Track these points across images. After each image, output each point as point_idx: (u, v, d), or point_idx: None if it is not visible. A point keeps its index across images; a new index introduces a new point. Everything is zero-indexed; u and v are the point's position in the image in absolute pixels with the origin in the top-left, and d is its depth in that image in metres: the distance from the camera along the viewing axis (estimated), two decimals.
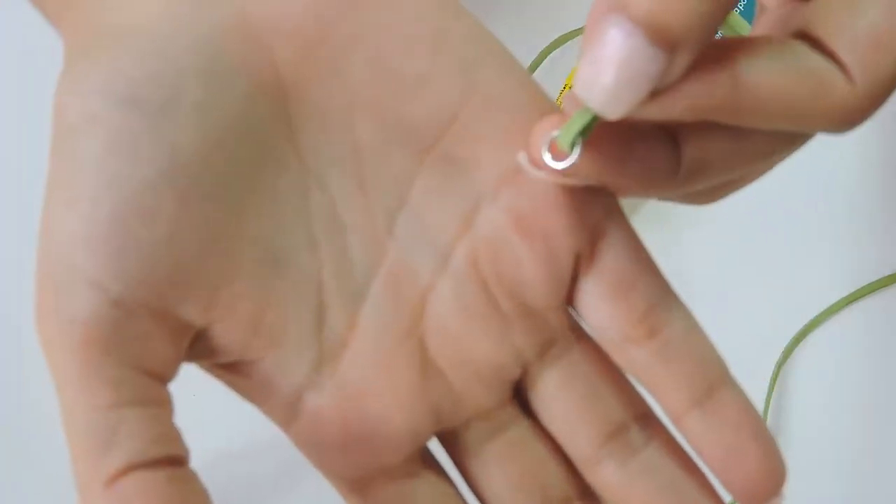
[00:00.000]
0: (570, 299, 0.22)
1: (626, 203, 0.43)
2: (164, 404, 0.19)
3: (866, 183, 0.44)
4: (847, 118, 0.19)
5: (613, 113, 0.18)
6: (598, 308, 0.22)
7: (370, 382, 0.21)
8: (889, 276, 0.43)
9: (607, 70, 0.17)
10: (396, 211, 0.22)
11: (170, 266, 0.19)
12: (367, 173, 0.21)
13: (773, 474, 0.21)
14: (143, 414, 0.19)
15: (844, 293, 0.43)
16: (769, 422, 0.42)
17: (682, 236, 0.42)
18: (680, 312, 0.22)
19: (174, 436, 0.19)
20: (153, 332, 0.19)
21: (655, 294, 0.22)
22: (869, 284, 0.43)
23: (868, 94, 0.18)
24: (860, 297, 0.43)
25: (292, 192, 0.21)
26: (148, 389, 0.19)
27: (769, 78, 0.18)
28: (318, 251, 0.21)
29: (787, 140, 0.20)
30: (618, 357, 0.22)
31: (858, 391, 0.43)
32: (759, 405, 0.43)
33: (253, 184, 0.20)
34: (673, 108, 0.18)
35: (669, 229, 0.42)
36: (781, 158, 0.22)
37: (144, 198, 0.19)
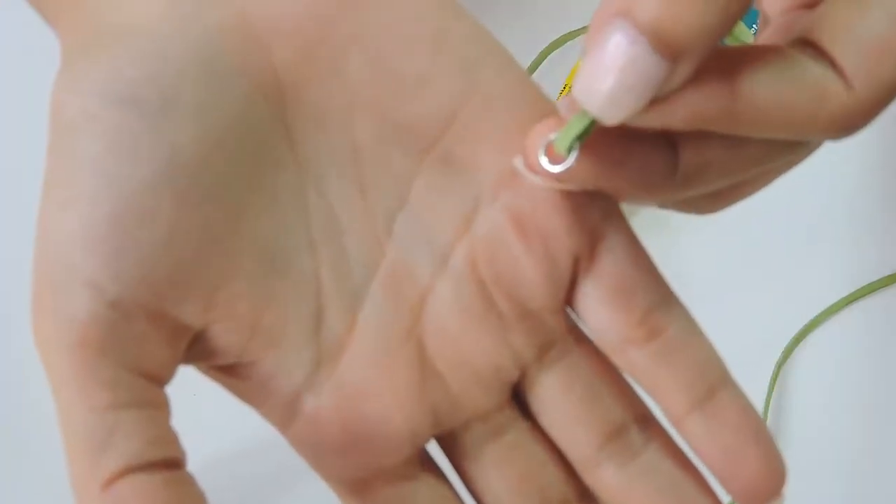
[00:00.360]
0: (569, 301, 0.22)
1: (625, 205, 0.43)
2: (160, 406, 0.19)
3: (866, 183, 0.44)
4: (846, 125, 0.19)
5: (612, 119, 0.18)
6: (597, 311, 0.22)
7: (369, 383, 0.21)
8: (889, 276, 0.43)
9: (608, 75, 0.17)
10: (396, 211, 0.22)
11: (168, 267, 0.19)
12: (366, 173, 0.21)
13: (773, 476, 0.21)
14: (140, 416, 0.19)
15: (844, 293, 0.43)
16: (769, 422, 0.42)
17: (681, 238, 0.42)
18: (680, 314, 0.22)
19: (171, 438, 0.19)
20: (150, 333, 0.19)
21: (655, 296, 0.22)
22: (869, 284, 0.43)
23: (868, 101, 0.18)
24: (860, 297, 0.43)
25: (291, 192, 0.21)
26: (145, 391, 0.19)
27: (767, 89, 0.18)
28: (317, 252, 0.21)
29: (788, 145, 0.20)
30: (617, 359, 0.22)
31: (858, 391, 0.43)
32: (759, 405, 0.43)
33: (252, 184, 0.20)
34: (672, 117, 0.18)
35: (669, 231, 0.42)
36: (787, 168, 0.22)
37: (143, 198, 0.19)
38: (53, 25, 0.21)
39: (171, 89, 0.19)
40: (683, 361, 0.21)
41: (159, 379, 0.20)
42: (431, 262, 0.22)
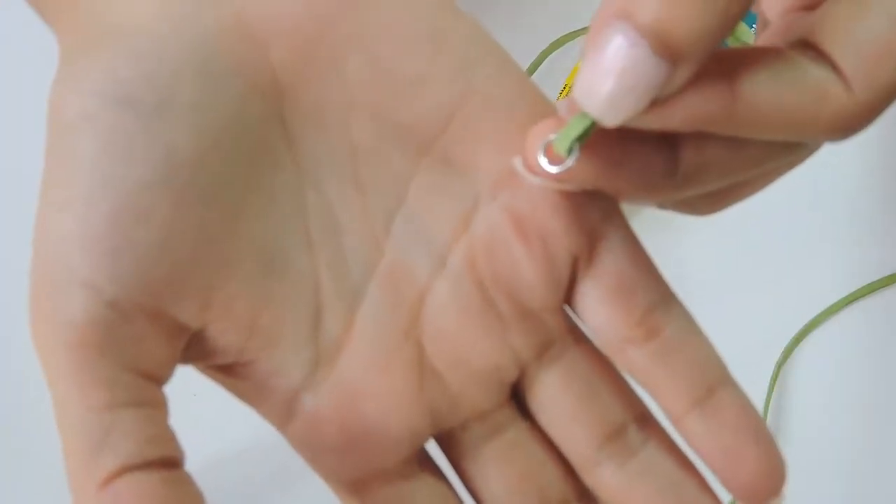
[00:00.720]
0: (568, 301, 0.22)
1: (625, 205, 0.43)
2: (158, 406, 0.19)
3: (866, 183, 0.44)
4: (846, 127, 0.19)
5: (612, 120, 0.18)
6: (597, 311, 0.22)
7: (367, 383, 0.21)
8: (889, 276, 0.43)
9: (608, 77, 0.17)
10: (394, 211, 0.22)
11: (165, 267, 0.19)
12: (364, 173, 0.21)
13: (773, 474, 0.21)
14: (138, 415, 0.19)
15: (844, 293, 0.43)
16: (769, 422, 0.42)
17: (682, 237, 0.42)
18: (679, 314, 0.22)
19: (169, 437, 0.19)
20: (148, 333, 0.19)
21: (654, 296, 0.22)
22: (869, 284, 0.43)
23: (867, 103, 0.18)
24: (860, 297, 0.43)
25: (288, 192, 0.21)
26: (143, 391, 0.19)
27: (767, 91, 0.18)
28: (315, 252, 0.21)
29: (787, 146, 0.20)
30: (617, 359, 0.22)
31: (858, 391, 0.43)
32: (759, 405, 0.43)
33: (249, 185, 0.20)
34: (671, 119, 0.18)
35: (670, 231, 0.42)
36: (787, 168, 0.22)
37: (139, 198, 0.19)
38: (52, 25, 0.21)
39: (167, 90, 0.19)
40: (683, 360, 0.21)
41: (157, 378, 0.20)
42: (430, 261, 0.22)
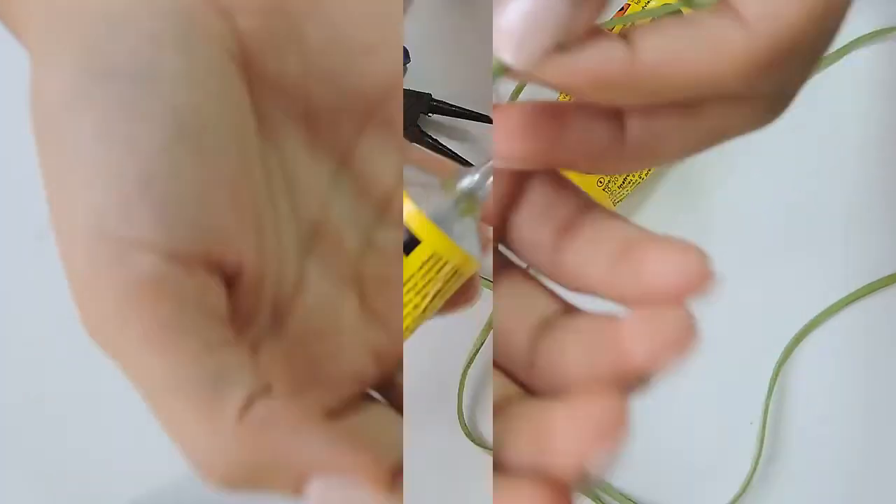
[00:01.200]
0: (506, 244, 0.22)
1: (627, 203, 0.43)
2: (237, 342, 0.20)
3: (867, 184, 0.44)
4: (749, 72, 0.19)
5: (521, 62, 0.18)
6: (522, 237, 0.21)
7: (316, 328, 0.23)
8: (889, 276, 0.43)
9: (515, 18, 0.18)
10: (341, 168, 0.23)
11: (207, 214, 0.20)
12: (316, 134, 0.23)
13: (678, 265, 0.20)
14: (233, 351, 0.19)
15: (844, 293, 0.43)
16: (769, 422, 0.42)
17: (681, 236, 0.42)
18: (600, 215, 0.21)
19: (257, 366, 0.20)
20: (208, 280, 0.20)
21: (574, 205, 0.21)
22: (869, 284, 0.43)
23: (770, 43, 0.19)
24: (860, 297, 0.43)
25: (260, 152, 0.22)
26: (223, 331, 0.19)
27: (662, 45, 0.19)
28: (276, 204, 0.22)
29: (745, 116, 0.20)
30: (556, 279, 0.21)
31: (858, 391, 0.43)
32: (759, 405, 0.43)
33: (238, 139, 0.21)
34: (575, 74, 0.19)
35: (669, 231, 0.42)
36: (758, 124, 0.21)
37: (163, 158, 0.19)
38: (12, 29, 0.22)
39: (148, 59, 0.19)
40: (605, 245, 0.20)
41: (224, 322, 0.20)
42: (371, 214, 0.23)
